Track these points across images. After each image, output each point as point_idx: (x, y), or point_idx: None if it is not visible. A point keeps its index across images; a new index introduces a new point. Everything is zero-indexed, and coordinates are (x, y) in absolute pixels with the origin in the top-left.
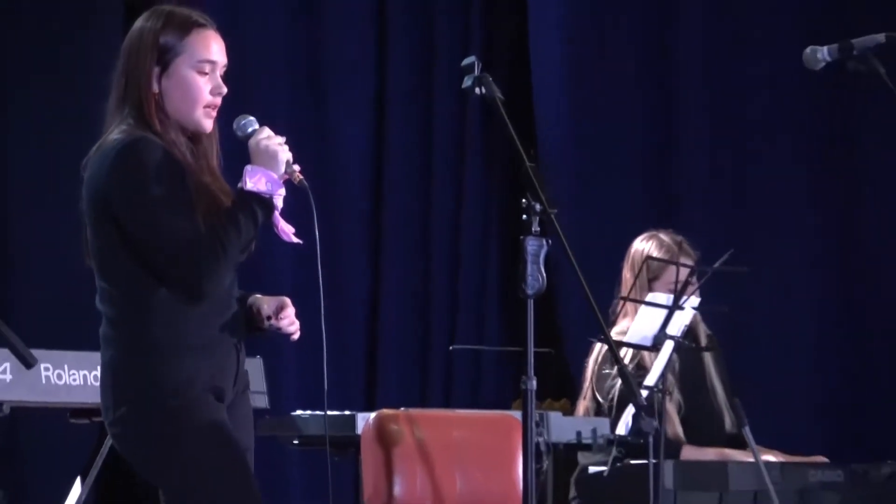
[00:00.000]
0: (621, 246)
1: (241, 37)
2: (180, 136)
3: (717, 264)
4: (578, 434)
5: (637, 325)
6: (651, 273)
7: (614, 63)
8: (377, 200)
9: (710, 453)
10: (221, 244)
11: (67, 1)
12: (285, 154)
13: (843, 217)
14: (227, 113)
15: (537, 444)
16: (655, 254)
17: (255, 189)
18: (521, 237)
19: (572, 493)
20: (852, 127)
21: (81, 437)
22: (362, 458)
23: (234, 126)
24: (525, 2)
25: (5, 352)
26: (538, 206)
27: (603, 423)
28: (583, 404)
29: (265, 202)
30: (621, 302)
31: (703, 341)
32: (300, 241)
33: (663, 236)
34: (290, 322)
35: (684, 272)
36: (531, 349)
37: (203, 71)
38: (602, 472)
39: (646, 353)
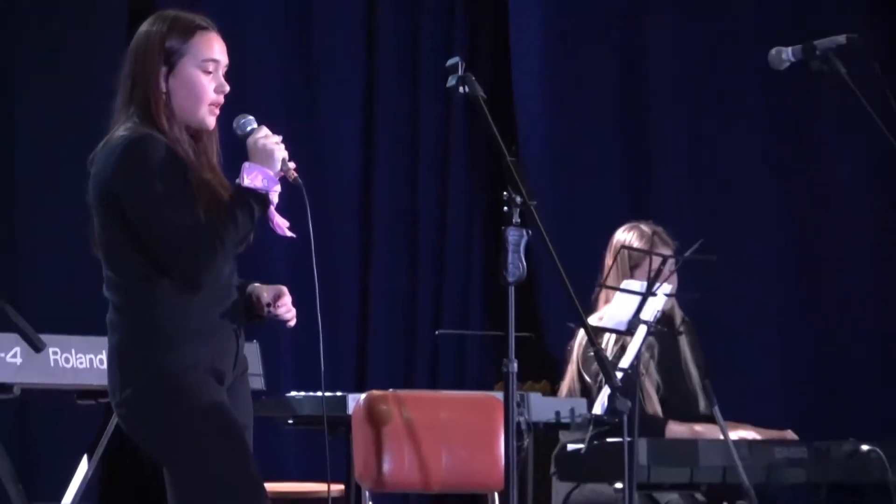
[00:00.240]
0: (597, 236)
1: (238, 40)
2: (184, 134)
3: (687, 253)
4: (557, 414)
5: (612, 310)
6: (632, 261)
7: (591, 63)
8: (367, 195)
9: (694, 429)
10: (220, 237)
11: (70, 4)
12: (281, 152)
13: (805, 206)
14: (225, 113)
15: (518, 424)
16: (636, 243)
17: (252, 185)
18: (503, 228)
19: (552, 468)
20: (814, 123)
21: (88, 417)
22: (353, 436)
23: (234, 125)
24: (506, 6)
25: (15, 336)
26: (518, 199)
27: (581, 403)
28: (566, 384)
29: (261, 198)
30: (601, 289)
31: (679, 326)
32: (294, 235)
33: (644, 227)
34: (286, 310)
35: (662, 261)
36: (512, 334)
37: (207, 70)
38: (580, 449)
39: (629, 337)
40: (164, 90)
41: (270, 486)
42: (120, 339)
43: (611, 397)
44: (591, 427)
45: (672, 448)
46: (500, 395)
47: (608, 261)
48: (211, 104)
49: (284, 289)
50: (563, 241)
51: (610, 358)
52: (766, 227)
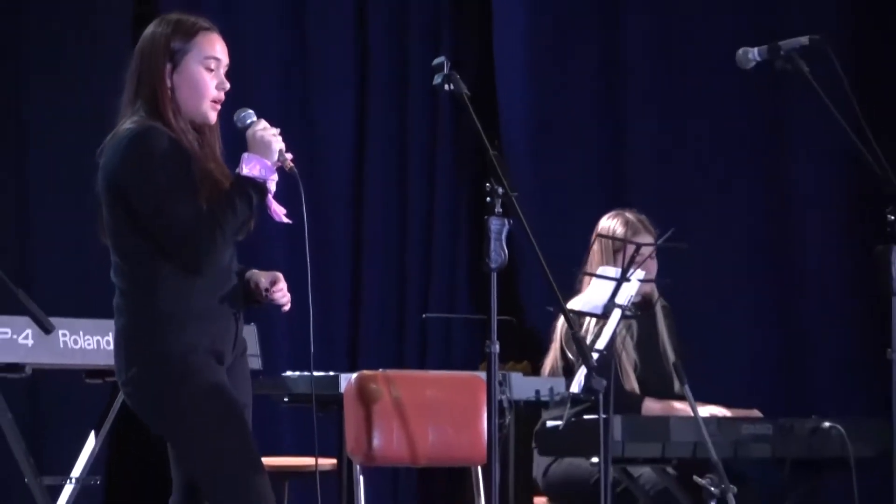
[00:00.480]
0: (575, 224)
1: (237, 41)
2: (188, 128)
3: (660, 241)
4: (537, 392)
5: (589, 295)
6: (615, 246)
7: (570, 63)
8: (359, 187)
9: (669, 406)
10: (220, 224)
11: (76, 9)
12: (278, 143)
13: (774, 197)
14: (226, 109)
15: (500, 402)
16: (620, 230)
17: (250, 174)
18: (486, 217)
19: (534, 443)
20: (783, 117)
21: (95, 395)
22: (345, 413)
23: (234, 117)
24: (490, 9)
25: (27, 319)
26: (501, 190)
27: (559, 382)
28: (549, 363)
29: (259, 186)
30: (583, 274)
31: (659, 311)
32: (291, 221)
33: (628, 214)
34: (282, 294)
35: (647, 248)
36: (494, 317)
37: (209, 68)
38: (558, 425)
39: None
40: (169, 86)
41: (267, 460)
42: (126, 321)
43: (587, 377)
44: (569, 405)
45: (645, 425)
46: (483, 374)
47: (594, 246)
48: (212, 100)
49: (280, 275)
50: (542, 229)
51: (592, 338)
52: (735, 216)
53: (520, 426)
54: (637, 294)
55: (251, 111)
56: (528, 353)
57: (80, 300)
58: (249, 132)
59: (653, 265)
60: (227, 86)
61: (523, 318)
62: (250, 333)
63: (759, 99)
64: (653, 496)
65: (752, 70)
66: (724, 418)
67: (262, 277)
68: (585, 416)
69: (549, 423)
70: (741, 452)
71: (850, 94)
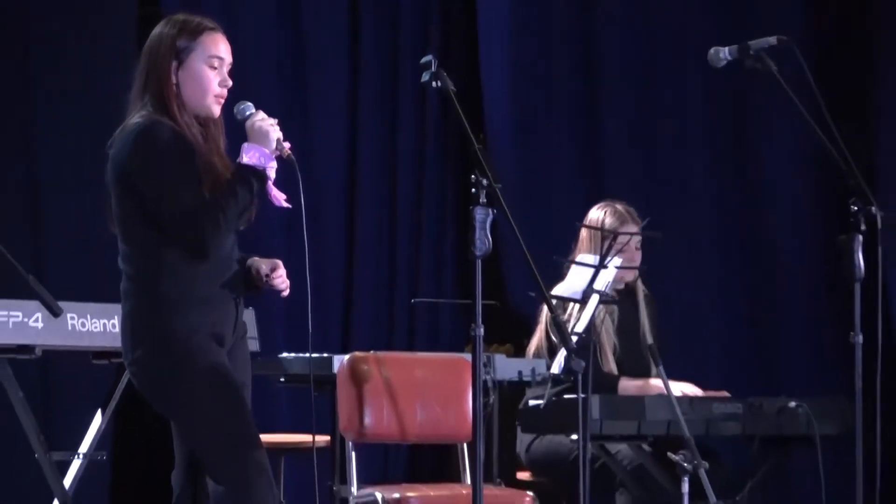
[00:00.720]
0: (555, 214)
1: (236, 40)
2: (193, 122)
3: (635, 230)
4: (520, 373)
5: (569, 281)
6: (605, 235)
7: (550, 62)
8: (352, 179)
9: (641, 385)
10: (222, 211)
11: (83, 11)
12: (276, 133)
13: (743, 187)
14: (227, 105)
15: (485, 382)
16: (608, 220)
17: (250, 163)
18: (471, 207)
19: (517, 422)
20: (748, 112)
21: (102, 375)
22: (338, 393)
23: (235, 110)
24: (475, 10)
25: (37, 303)
26: (485, 181)
27: (540, 364)
28: (535, 343)
29: (259, 173)
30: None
31: (642, 302)
32: (290, 206)
33: (617, 206)
34: (281, 280)
35: (631, 237)
36: (479, 302)
37: (213, 65)
38: (540, 404)
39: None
40: (175, 82)
41: (264, 437)
42: (132, 305)
43: (567, 358)
44: (549, 385)
45: (621, 403)
46: (468, 356)
47: (583, 234)
48: (215, 95)
49: (280, 262)
50: (525, 219)
51: (577, 321)
52: (707, 207)
53: (504, 405)
54: (620, 281)
55: (250, 104)
56: (512, 336)
57: (87, 286)
58: (248, 123)
59: (637, 255)
60: (230, 83)
61: (506, 303)
62: (248, 317)
63: (728, 96)
64: (629, 471)
65: (722, 68)
66: (697, 398)
67: (262, 264)
68: (565, 396)
69: (532, 402)
70: (712, 430)
71: (816, 92)
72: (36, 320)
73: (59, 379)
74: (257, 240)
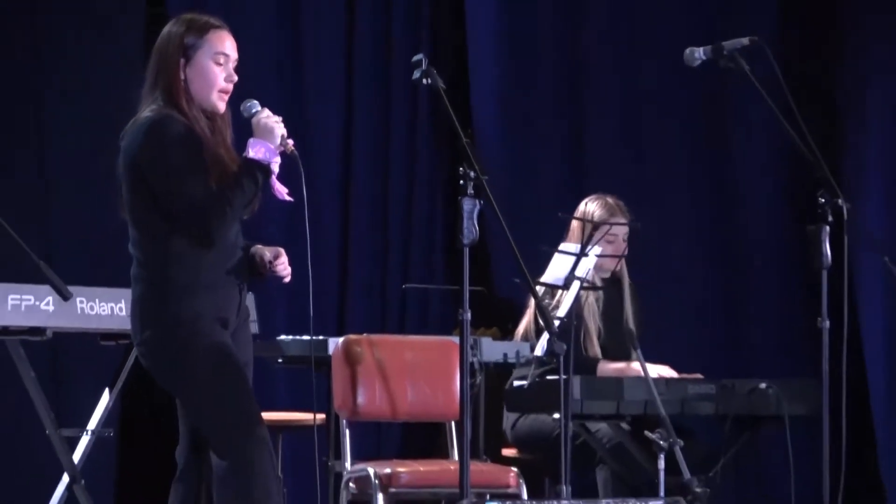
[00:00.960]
0: (539, 205)
1: (236, 36)
2: (201, 115)
3: (613, 221)
4: (505, 355)
5: (552, 269)
6: (592, 226)
7: (535, 61)
8: (347, 172)
9: (622, 368)
10: (229, 201)
11: (93, 12)
12: (281, 129)
13: (717, 178)
14: (234, 99)
15: (472, 363)
16: (598, 212)
17: (256, 157)
18: (459, 198)
19: (504, 401)
20: (723, 108)
21: (109, 356)
22: (333, 373)
23: (241, 108)
24: (463, 12)
25: (48, 288)
26: (472, 174)
27: (524, 346)
28: (523, 326)
29: (264, 167)
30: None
31: (627, 291)
32: (292, 199)
33: (608, 199)
34: (283, 268)
35: (623, 229)
36: (467, 288)
37: (218, 62)
38: (524, 385)
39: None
40: (183, 78)
41: (263, 415)
42: (142, 289)
43: (549, 341)
44: (533, 366)
45: (601, 385)
46: (456, 339)
47: (573, 224)
48: (220, 90)
49: (282, 250)
50: (510, 209)
51: (560, 306)
52: (683, 199)
53: (489, 385)
54: (605, 270)
55: (255, 101)
56: (497, 320)
57: (95, 271)
58: (254, 120)
59: (625, 246)
60: (235, 78)
61: (492, 289)
62: (249, 301)
63: (704, 94)
64: (608, 449)
65: (698, 67)
66: (672, 379)
67: (265, 252)
68: (548, 377)
69: (516, 383)
70: (687, 410)
71: (786, 90)
72: (47, 304)
73: (69, 359)
74: (259, 227)
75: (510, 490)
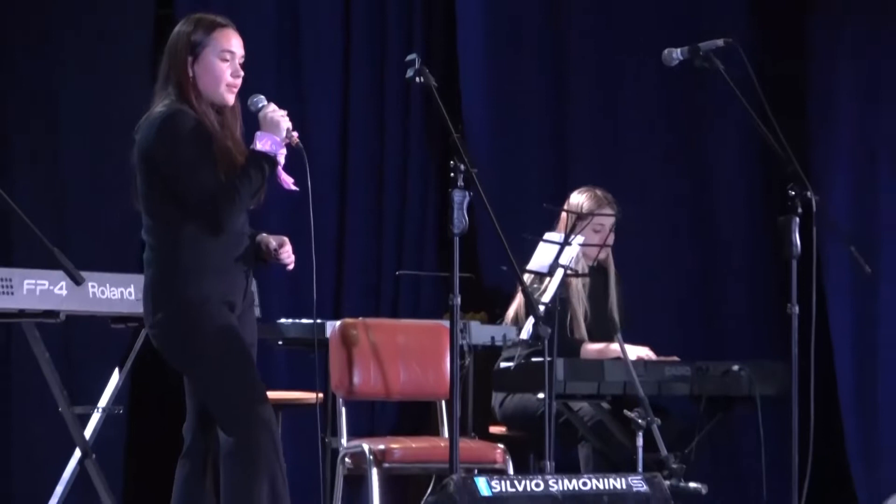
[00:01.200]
0: (525, 196)
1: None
2: (210, 110)
3: (595, 212)
4: (492, 338)
5: (537, 256)
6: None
7: (521, 60)
8: (343, 165)
9: (603, 350)
10: (237, 191)
11: (105, 14)
12: (286, 123)
13: (692, 170)
14: (240, 95)
15: (461, 346)
16: (587, 203)
17: (262, 149)
18: (450, 190)
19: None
20: (699, 105)
21: (119, 337)
22: (330, 355)
23: (248, 102)
24: (455, 13)
25: (61, 273)
26: (463, 167)
27: (510, 330)
28: (512, 311)
29: (271, 159)
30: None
31: (612, 279)
32: (297, 189)
33: (597, 191)
34: (287, 255)
35: (610, 219)
36: (457, 274)
37: (224, 59)
38: (510, 366)
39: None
40: (191, 75)
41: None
42: (154, 273)
43: (535, 325)
44: (519, 349)
45: (583, 366)
46: (446, 323)
47: (562, 215)
48: (228, 85)
49: (287, 239)
50: (498, 200)
51: (548, 291)
52: (661, 191)
53: (478, 367)
54: (591, 258)
55: (262, 96)
56: (485, 305)
57: (106, 257)
58: (261, 114)
59: (611, 236)
60: (241, 73)
61: (481, 276)
62: (253, 287)
63: (682, 91)
64: (590, 427)
65: (675, 67)
66: (650, 361)
67: (271, 240)
68: (533, 359)
69: (503, 365)
70: (664, 390)
71: (758, 88)
72: (60, 288)
73: (81, 341)
74: (264, 217)
75: (497, 465)
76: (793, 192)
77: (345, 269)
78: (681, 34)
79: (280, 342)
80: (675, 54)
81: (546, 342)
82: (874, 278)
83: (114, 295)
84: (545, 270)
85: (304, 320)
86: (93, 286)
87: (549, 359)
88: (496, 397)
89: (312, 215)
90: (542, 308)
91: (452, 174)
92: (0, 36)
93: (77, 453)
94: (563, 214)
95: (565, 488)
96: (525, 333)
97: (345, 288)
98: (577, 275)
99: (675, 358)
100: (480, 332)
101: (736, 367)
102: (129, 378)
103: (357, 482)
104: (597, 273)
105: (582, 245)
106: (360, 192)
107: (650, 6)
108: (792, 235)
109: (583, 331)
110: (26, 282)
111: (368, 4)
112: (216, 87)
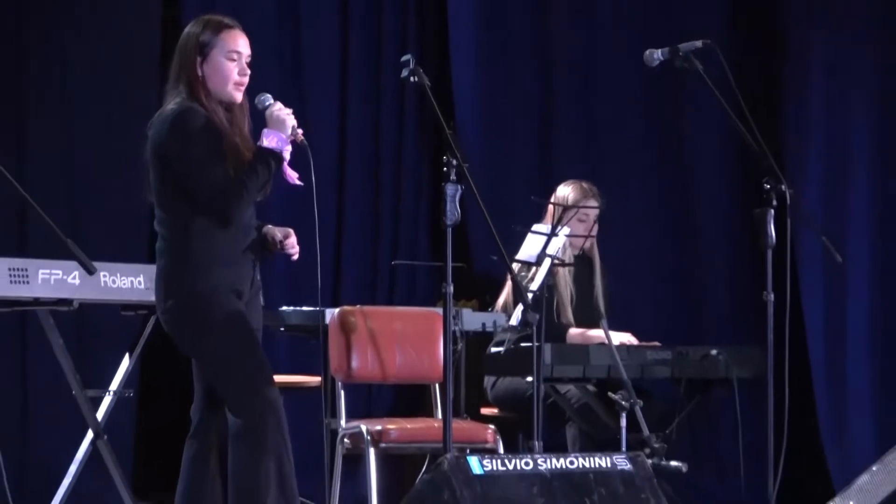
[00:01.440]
0: (514, 189)
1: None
2: (219, 107)
3: (580, 204)
4: (483, 325)
5: (526, 247)
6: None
7: (511, 60)
8: (342, 161)
9: (586, 334)
10: (245, 186)
11: (114, 14)
12: (291, 121)
13: (674, 164)
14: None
15: (454, 332)
16: (572, 195)
17: (269, 146)
18: (443, 183)
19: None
20: (679, 104)
21: (130, 324)
22: (329, 341)
23: (255, 101)
24: (447, 16)
25: (74, 263)
26: (455, 162)
27: (500, 317)
28: (502, 299)
29: (277, 155)
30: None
31: (597, 267)
32: (302, 184)
33: (583, 184)
34: (292, 246)
35: (594, 210)
36: (449, 264)
37: (231, 58)
38: (500, 351)
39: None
40: (201, 74)
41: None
42: (165, 262)
43: (523, 312)
44: (509, 334)
45: (569, 351)
46: (440, 310)
47: (549, 208)
48: (235, 83)
49: (292, 231)
50: (488, 194)
51: (536, 279)
52: (643, 183)
53: (469, 351)
54: (576, 247)
55: (268, 95)
56: (477, 293)
57: (118, 248)
58: (268, 112)
59: (595, 227)
60: (248, 72)
61: (472, 266)
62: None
63: (662, 90)
64: (576, 408)
65: (657, 68)
66: (633, 346)
67: (276, 232)
68: (522, 344)
69: (494, 349)
70: (646, 374)
71: (734, 87)
72: (73, 277)
73: (93, 328)
74: (270, 209)
75: (488, 445)
76: (768, 186)
77: (343, 259)
78: (661, 36)
79: (282, 329)
80: (656, 55)
81: (534, 328)
82: (844, 267)
83: (124, 284)
84: (533, 260)
85: (305, 308)
86: (104, 275)
87: (537, 344)
88: (487, 380)
89: (316, 208)
90: (530, 296)
91: (445, 169)
92: (16, 35)
93: (90, 434)
94: (550, 207)
95: (553, 467)
96: (514, 320)
97: (343, 277)
98: (563, 264)
99: (657, 343)
100: (472, 319)
101: (714, 352)
102: (138, 363)
103: (356, 461)
104: (581, 262)
105: (568, 235)
106: (357, 186)
107: (633, 10)
108: (767, 227)
109: (569, 315)
110: (41, 271)
111: (365, 8)
112: (224, 85)
